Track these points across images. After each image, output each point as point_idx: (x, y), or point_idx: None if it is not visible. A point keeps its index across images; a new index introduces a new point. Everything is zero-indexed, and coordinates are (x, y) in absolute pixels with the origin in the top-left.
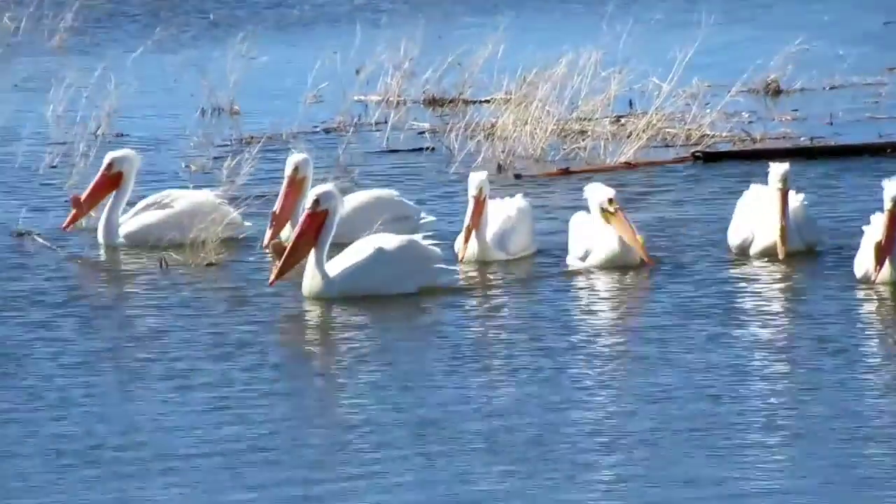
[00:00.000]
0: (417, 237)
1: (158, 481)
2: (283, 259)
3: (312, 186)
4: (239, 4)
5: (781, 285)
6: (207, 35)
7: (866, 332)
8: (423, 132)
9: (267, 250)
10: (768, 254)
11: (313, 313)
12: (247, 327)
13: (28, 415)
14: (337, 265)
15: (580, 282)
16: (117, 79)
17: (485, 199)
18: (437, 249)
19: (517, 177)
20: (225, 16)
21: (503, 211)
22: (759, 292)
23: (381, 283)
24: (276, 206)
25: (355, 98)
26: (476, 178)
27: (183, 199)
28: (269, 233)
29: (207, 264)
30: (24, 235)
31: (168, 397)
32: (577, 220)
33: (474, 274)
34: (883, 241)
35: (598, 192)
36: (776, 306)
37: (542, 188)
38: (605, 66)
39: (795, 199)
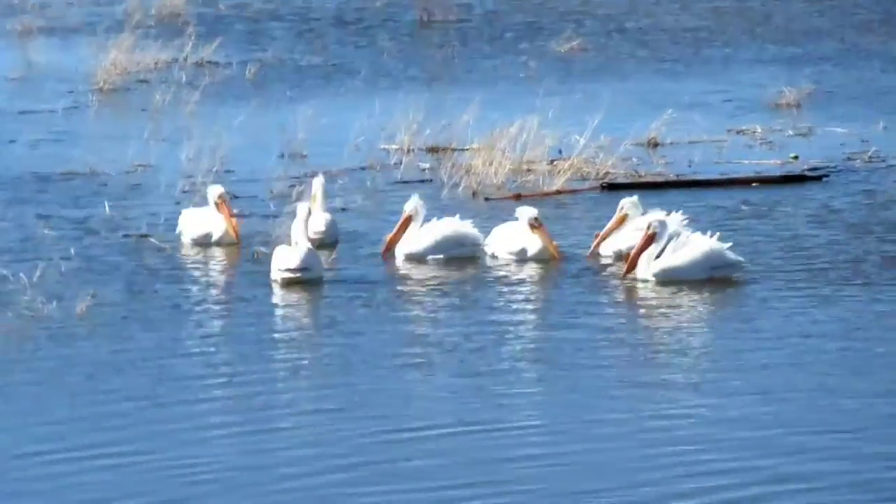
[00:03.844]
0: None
1: None
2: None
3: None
4: (295, 84)
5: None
6: (285, 101)
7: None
8: (425, 169)
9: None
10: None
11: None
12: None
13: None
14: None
15: (501, 275)
16: (228, 133)
17: (414, 215)
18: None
19: (486, 199)
20: (299, 93)
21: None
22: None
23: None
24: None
25: (381, 147)
26: (410, 201)
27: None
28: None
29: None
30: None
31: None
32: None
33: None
34: (635, 253)
35: (525, 212)
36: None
37: (502, 207)
38: (543, 127)
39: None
